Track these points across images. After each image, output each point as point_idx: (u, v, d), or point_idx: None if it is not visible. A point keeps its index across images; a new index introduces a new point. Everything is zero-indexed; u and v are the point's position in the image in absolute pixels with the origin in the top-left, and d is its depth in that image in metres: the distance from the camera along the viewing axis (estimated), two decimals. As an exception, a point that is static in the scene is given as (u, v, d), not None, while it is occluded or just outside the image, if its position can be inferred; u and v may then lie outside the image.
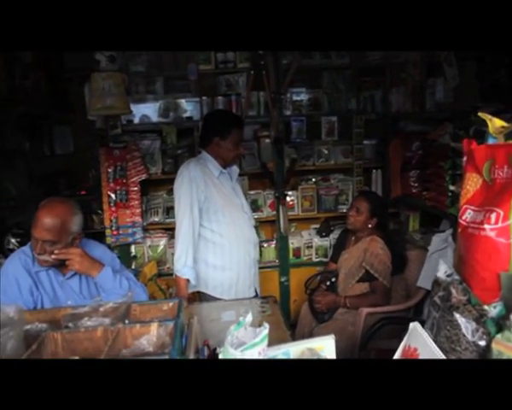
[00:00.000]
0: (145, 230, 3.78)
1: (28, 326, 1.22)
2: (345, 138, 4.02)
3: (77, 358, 1.05)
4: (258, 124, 4.06)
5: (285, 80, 3.67)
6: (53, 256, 1.85)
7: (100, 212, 3.92)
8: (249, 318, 1.19)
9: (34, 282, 1.92)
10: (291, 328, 2.20)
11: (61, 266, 1.94)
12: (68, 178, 5.02)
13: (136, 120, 3.88)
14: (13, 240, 3.70)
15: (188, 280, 2.53)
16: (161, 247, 3.80)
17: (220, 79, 3.99)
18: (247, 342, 1.13)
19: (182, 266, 2.52)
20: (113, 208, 3.60)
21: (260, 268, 3.03)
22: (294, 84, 3.96)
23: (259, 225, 3.87)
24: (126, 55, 3.77)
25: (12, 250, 3.69)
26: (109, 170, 3.56)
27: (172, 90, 4.04)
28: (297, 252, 4.03)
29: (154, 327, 1.22)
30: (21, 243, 3.68)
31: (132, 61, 3.81)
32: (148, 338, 1.20)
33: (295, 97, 4.04)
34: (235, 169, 2.79)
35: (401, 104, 3.72)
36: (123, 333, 1.21)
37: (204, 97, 3.90)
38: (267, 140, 3.89)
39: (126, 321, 1.25)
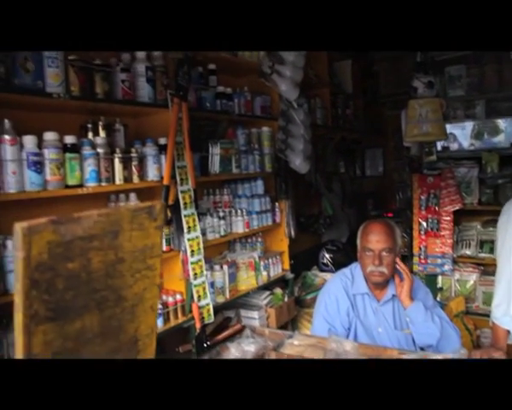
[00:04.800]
0: (454, 262, 3.60)
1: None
2: None
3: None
4: None
5: None
6: (389, 266, 1.91)
7: (405, 235, 3.93)
8: None
9: (351, 303, 2.04)
10: None
11: (378, 289, 2.02)
12: (376, 199, 5.24)
13: (454, 147, 3.74)
14: (327, 255, 4.06)
15: (508, 331, 2.27)
16: (471, 282, 3.54)
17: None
18: None
19: (502, 315, 2.27)
20: (423, 236, 3.56)
21: None
22: None
23: None
24: (445, 80, 3.70)
25: (325, 264, 4.06)
26: (422, 197, 3.53)
27: (494, 113, 3.74)
28: None
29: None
30: (333, 259, 4.02)
31: (452, 84, 3.71)
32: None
33: None
34: None
35: None
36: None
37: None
38: None
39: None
